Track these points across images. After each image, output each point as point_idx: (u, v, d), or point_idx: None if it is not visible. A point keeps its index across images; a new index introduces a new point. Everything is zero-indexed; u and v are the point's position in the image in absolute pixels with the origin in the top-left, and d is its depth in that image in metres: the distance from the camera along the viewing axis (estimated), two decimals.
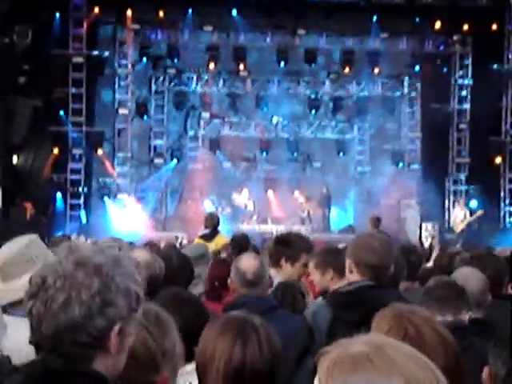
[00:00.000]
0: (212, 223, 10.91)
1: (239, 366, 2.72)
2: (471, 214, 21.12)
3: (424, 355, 2.03)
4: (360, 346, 1.58)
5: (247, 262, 4.85)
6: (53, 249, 3.76)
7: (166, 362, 2.62)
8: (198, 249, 6.84)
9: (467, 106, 25.05)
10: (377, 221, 15.10)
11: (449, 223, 24.24)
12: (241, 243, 7.96)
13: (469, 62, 25.08)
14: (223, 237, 10.55)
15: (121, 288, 2.14)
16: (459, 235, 20.63)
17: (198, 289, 5.95)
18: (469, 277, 4.81)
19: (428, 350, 2.43)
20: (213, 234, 10.67)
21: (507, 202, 24.48)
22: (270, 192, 25.24)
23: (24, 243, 3.94)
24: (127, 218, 23.15)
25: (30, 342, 2.13)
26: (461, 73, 25.18)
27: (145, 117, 24.91)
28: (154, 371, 2.58)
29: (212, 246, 9.90)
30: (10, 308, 3.84)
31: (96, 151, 23.42)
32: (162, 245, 11.48)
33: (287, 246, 5.69)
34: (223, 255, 8.15)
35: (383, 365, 1.52)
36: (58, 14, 22.34)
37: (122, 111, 24.34)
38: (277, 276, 5.44)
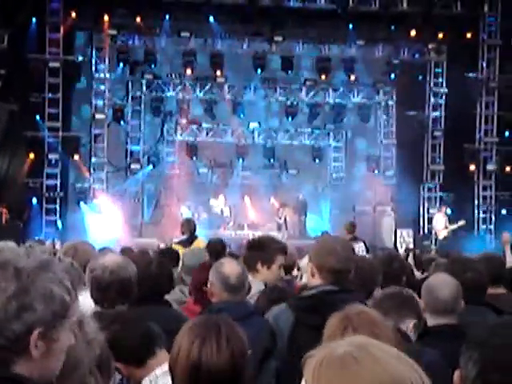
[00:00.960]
0: (189, 229, 10.93)
1: (196, 364, 2.79)
2: (449, 222, 21.29)
3: None
4: (344, 346, 1.64)
5: (230, 268, 4.86)
6: None
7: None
8: (199, 259, 6.82)
9: (442, 113, 25.26)
10: (351, 226, 15.19)
11: (424, 230, 24.44)
12: (217, 248, 7.98)
13: (443, 70, 25.29)
14: (201, 242, 10.56)
15: (41, 292, 2.11)
16: (441, 242, 20.79)
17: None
18: (441, 283, 4.87)
19: None
20: (190, 239, 10.70)
21: (481, 209, 24.70)
22: (247, 198, 25.29)
23: None
24: (103, 224, 23.09)
25: None
26: (436, 81, 25.39)
27: (121, 122, 24.88)
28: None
29: None
30: None
31: (72, 156, 23.34)
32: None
33: (261, 250, 5.64)
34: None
35: (367, 362, 1.59)
36: (34, 19, 22.26)
37: (98, 116, 24.28)
38: (254, 282, 5.45)
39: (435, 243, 22.25)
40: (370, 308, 4.19)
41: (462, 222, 21.27)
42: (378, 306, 4.09)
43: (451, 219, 21.53)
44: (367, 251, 13.77)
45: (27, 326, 2.09)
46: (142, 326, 3.84)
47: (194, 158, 25.39)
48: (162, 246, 14.54)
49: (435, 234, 22.29)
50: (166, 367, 3.66)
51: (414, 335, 4.18)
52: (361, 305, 3.38)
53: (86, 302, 4.25)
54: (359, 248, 13.79)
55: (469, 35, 23.87)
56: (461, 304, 4.88)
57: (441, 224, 21.37)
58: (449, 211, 22.40)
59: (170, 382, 2.92)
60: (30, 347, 2.10)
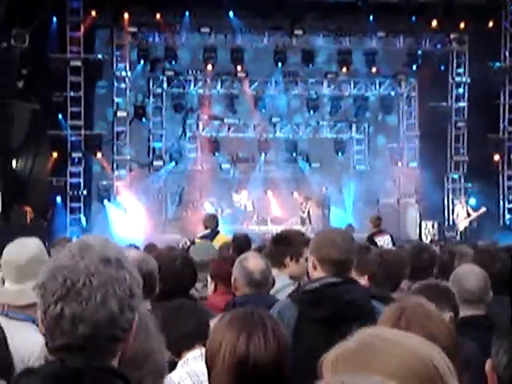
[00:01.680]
0: (212, 224, 10.94)
1: (243, 358, 2.73)
2: (473, 211, 21.17)
3: None
4: (355, 338, 1.61)
5: (254, 262, 4.85)
6: (57, 248, 3.76)
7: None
8: (206, 254, 6.79)
9: (465, 103, 25.09)
10: (377, 220, 15.09)
11: (448, 221, 24.29)
12: (242, 243, 7.97)
13: (466, 59, 25.11)
14: (224, 237, 10.57)
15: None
16: (462, 233, 20.68)
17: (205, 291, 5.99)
18: (469, 273, 4.83)
19: None
20: (213, 234, 10.70)
21: (506, 199, 24.51)
22: (270, 193, 25.28)
23: (39, 245, 3.96)
24: (127, 221, 23.18)
25: (58, 346, 2.09)
26: (458, 71, 25.21)
27: (143, 119, 24.93)
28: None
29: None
30: (12, 313, 3.83)
31: (95, 154, 23.44)
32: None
33: (288, 244, 5.62)
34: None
35: (383, 344, 1.55)
36: (55, 18, 22.36)
37: (120, 114, 24.36)
38: (280, 275, 5.43)
39: (460, 234, 22.12)
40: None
41: (482, 210, 21.15)
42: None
43: (475, 209, 21.39)
44: (393, 244, 13.68)
45: (134, 313, 2.15)
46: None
47: (217, 154, 25.41)
48: (185, 242, 14.54)
49: (456, 225, 22.18)
50: (197, 352, 3.67)
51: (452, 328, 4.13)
52: (417, 297, 3.33)
53: None
54: (386, 241, 13.72)
55: (491, 24, 23.66)
56: (489, 294, 4.83)
57: (461, 215, 21.26)
58: (473, 201, 22.23)
59: (203, 368, 2.89)
60: (131, 334, 2.16)
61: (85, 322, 2.07)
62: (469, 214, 21.20)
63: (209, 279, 5.92)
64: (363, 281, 5.36)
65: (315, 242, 4.42)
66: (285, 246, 5.64)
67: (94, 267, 2.11)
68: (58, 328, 2.08)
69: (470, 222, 20.92)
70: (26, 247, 3.91)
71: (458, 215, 21.70)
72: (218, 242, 10.14)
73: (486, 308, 4.74)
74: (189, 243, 10.49)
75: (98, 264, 2.12)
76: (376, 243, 12.91)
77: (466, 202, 22.16)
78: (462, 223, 21.03)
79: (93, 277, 2.09)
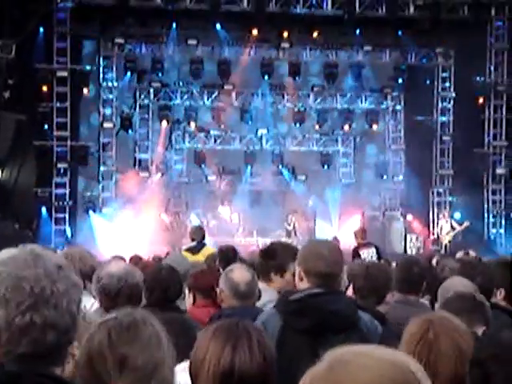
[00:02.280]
0: (198, 236, 10.93)
1: (228, 370, 2.70)
2: (457, 225, 21.25)
3: (435, 359, 2.53)
4: (326, 358, 1.59)
5: (240, 274, 4.85)
6: None
7: (124, 372, 2.54)
8: (180, 265, 6.75)
9: (450, 118, 25.21)
10: (362, 232, 15.06)
11: (433, 234, 24.36)
12: (228, 255, 7.96)
13: (451, 74, 25.25)
14: (210, 249, 10.56)
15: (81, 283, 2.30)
16: (447, 246, 20.75)
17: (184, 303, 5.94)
18: (457, 286, 4.84)
19: (440, 356, 2.70)
20: (200, 246, 10.69)
21: (491, 213, 24.61)
22: (255, 205, 25.25)
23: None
24: (112, 232, 23.10)
25: (22, 354, 2.08)
26: (444, 85, 25.36)
27: (129, 130, 24.90)
28: (104, 379, 2.51)
29: (200, 257, 9.93)
30: None
31: (81, 165, 23.38)
32: (149, 258, 11.48)
33: (273, 258, 5.55)
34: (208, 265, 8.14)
35: (358, 357, 1.54)
36: (41, 29, 22.33)
37: (106, 125, 24.33)
38: (267, 289, 5.40)
39: (444, 248, 22.18)
40: (442, 309, 4.10)
41: (465, 224, 21.24)
42: (448, 306, 4.00)
43: (459, 223, 21.48)
44: (378, 257, 13.67)
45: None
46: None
47: (203, 166, 25.38)
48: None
49: (440, 240, 22.26)
50: (184, 365, 3.64)
51: None
52: (441, 311, 3.33)
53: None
54: (370, 253, 13.71)
55: (476, 39, 23.80)
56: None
57: (445, 229, 21.35)
58: (458, 215, 22.31)
59: (188, 380, 2.87)
60: None
61: (54, 328, 2.08)
62: (453, 228, 21.27)
63: (186, 291, 5.85)
64: (349, 292, 5.37)
65: (302, 253, 4.41)
66: (270, 259, 5.56)
67: (55, 274, 2.12)
68: (27, 337, 2.07)
69: (454, 236, 21.00)
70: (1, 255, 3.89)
71: (441, 229, 21.78)
72: (204, 254, 10.13)
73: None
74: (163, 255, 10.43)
75: (55, 271, 2.13)
76: (360, 256, 12.92)
77: (451, 216, 22.26)
78: (446, 237, 21.11)
79: (56, 284, 2.11)
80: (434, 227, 24.76)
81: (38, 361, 2.10)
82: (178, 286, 5.42)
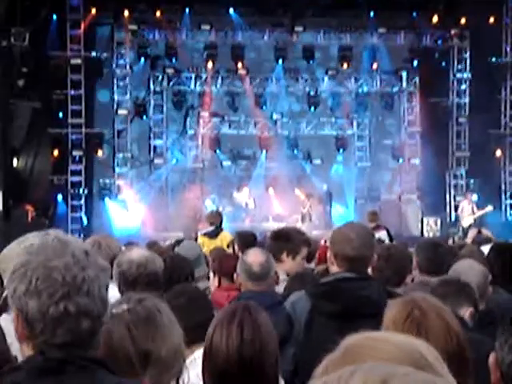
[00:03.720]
0: (216, 221, 10.92)
1: (207, 350, 2.83)
2: (478, 209, 21.09)
3: (426, 337, 2.39)
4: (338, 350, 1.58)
5: (254, 256, 4.85)
6: None
7: (149, 365, 2.57)
8: (191, 251, 6.74)
9: (466, 99, 25.05)
10: (373, 215, 14.93)
11: (451, 218, 24.25)
12: (247, 240, 7.94)
13: (467, 55, 25.07)
14: (227, 234, 10.56)
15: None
16: (465, 229, 20.57)
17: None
18: (467, 269, 4.81)
19: (430, 333, 2.66)
20: (217, 231, 10.68)
21: (508, 194, 24.47)
22: (271, 190, 25.20)
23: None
24: (128, 219, 23.17)
25: (60, 343, 2.08)
26: (459, 67, 25.17)
27: (144, 117, 24.90)
28: (130, 373, 2.53)
29: (217, 242, 9.93)
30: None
31: (96, 152, 23.43)
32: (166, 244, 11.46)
33: (287, 241, 5.71)
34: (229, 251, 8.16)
35: (368, 343, 1.53)
36: (54, 16, 22.33)
37: (120, 112, 24.35)
38: (277, 270, 5.46)
39: (462, 231, 22.05)
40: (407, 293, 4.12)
41: (488, 208, 21.06)
42: (434, 292, 4.03)
43: (479, 206, 21.33)
44: (390, 239, 13.60)
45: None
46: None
47: (218, 151, 25.37)
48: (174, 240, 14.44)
49: (460, 221, 22.11)
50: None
51: (471, 323, 4.11)
52: (421, 292, 3.34)
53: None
54: (382, 236, 13.64)
55: (492, 20, 23.60)
56: (487, 290, 4.81)
57: (466, 211, 21.17)
58: (475, 198, 22.17)
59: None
60: None
61: (88, 316, 2.07)
62: (473, 212, 21.09)
63: (211, 275, 5.95)
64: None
65: (332, 236, 4.45)
66: (283, 241, 5.71)
67: (84, 261, 2.10)
68: (62, 327, 2.06)
69: (475, 220, 20.83)
70: (24, 242, 3.87)
71: (462, 210, 21.59)
72: (221, 239, 10.13)
73: (485, 303, 4.72)
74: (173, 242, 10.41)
75: (83, 257, 2.11)
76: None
77: (473, 200, 22.03)
78: (467, 219, 20.95)
79: (86, 270, 2.09)
80: (450, 210, 24.66)
81: (76, 348, 2.09)
82: (185, 274, 5.39)
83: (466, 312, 4.14)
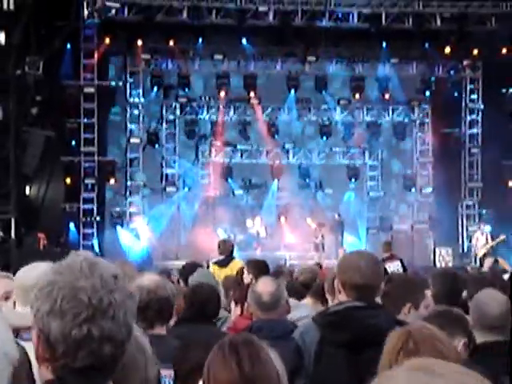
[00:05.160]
0: (226, 249, 10.88)
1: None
2: (492, 239, 20.99)
3: None
4: (402, 369, 1.54)
5: (263, 286, 4.82)
6: None
7: None
8: (206, 280, 6.72)
9: (478, 130, 25.03)
10: (387, 245, 15.06)
11: (463, 248, 24.13)
12: (259, 267, 7.90)
13: (479, 86, 25.09)
14: (238, 262, 10.51)
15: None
16: (481, 259, 20.46)
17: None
18: (489, 298, 4.75)
19: None
20: (228, 260, 10.64)
21: None
22: (282, 219, 25.19)
23: (48, 267, 3.92)
24: (140, 247, 23.17)
25: (81, 367, 2.03)
26: (471, 97, 25.21)
27: (156, 145, 24.99)
28: None
29: (227, 271, 9.88)
30: (24, 332, 3.80)
31: (108, 180, 23.49)
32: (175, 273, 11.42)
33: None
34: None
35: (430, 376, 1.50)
36: (68, 45, 22.50)
37: (133, 140, 24.47)
38: (299, 305, 5.41)
39: (475, 261, 21.94)
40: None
41: (501, 237, 20.96)
42: (428, 322, 4.02)
43: (493, 236, 21.23)
44: (404, 270, 13.58)
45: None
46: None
47: (229, 180, 25.40)
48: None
49: (475, 251, 21.99)
50: None
51: (465, 354, 4.09)
52: (421, 322, 3.32)
53: None
54: (396, 266, 13.62)
55: (504, 50, 23.63)
56: (509, 319, 4.75)
57: (481, 242, 21.07)
58: (489, 228, 22.05)
59: None
60: None
61: (111, 341, 2.02)
62: (487, 241, 21.01)
63: (232, 304, 5.92)
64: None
65: (339, 265, 4.37)
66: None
67: (111, 284, 2.05)
68: (84, 350, 2.01)
69: (489, 249, 20.73)
70: (34, 270, 3.89)
71: (477, 241, 21.50)
72: (232, 267, 10.08)
73: (507, 334, 4.66)
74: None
75: (111, 280, 2.06)
76: (386, 269, 12.82)
77: (486, 230, 21.93)
78: (482, 250, 20.85)
79: (114, 294, 2.04)
80: (463, 240, 24.54)
81: (95, 374, 2.04)
82: (216, 302, 5.38)
83: (460, 343, 4.10)
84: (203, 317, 5.03)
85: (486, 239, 21.05)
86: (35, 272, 3.87)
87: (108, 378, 2.08)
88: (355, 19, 23.35)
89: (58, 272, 2.09)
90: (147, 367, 2.54)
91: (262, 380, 2.74)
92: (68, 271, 2.07)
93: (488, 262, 16.95)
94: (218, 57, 23.97)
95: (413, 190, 25.66)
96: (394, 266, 13.51)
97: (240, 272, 8.40)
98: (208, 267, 10.47)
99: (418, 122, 26.18)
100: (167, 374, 3.59)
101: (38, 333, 2.05)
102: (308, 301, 6.51)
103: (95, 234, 22.99)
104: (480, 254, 20.93)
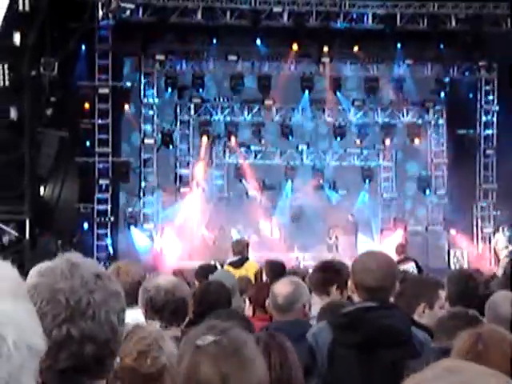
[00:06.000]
0: (240, 250, 10.88)
1: None
2: (510, 242, 20.89)
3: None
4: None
5: (280, 287, 4.82)
6: None
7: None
8: (226, 281, 6.70)
9: (494, 131, 24.93)
10: (401, 247, 15.08)
11: (478, 249, 24.02)
12: (276, 268, 7.91)
13: (494, 87, 24.98)
14: (253, 263, 10.51)
15: (122, 292, 2.24)
16: (502, 262, 20.36)
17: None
18: (503, 299, 4.74)
19: (491, 366, 2.61)
20: (242, 260, 10.64)
21: None
22: (296, 220, 25.16)
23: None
24: (153, 247, 23.20)
25: (64, 368, 2.02)
26: (486, 98, 25.09)
27: (170, 146, 25.02)
28: None
29: (242, 272, 9.88)
30: None
31: (122, 181, 23.54)
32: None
33: (337, 274, 5.63)
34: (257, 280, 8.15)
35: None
36: (83, 46, 22.60)
37: (147, 141, 24.52)
38: (319, 303, 5.38)
39: (491, 263, 21.86)
40: (436, 329, 4.08)
41: None
42: (443, 325, 3.99)
43: (511, 238, 21.14)
44: (419, 271, 13.54)
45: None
46: None
47: (243, 181, 25.39)
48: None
49: (495, 253, 21.89)
50: None
51: None
52: (492, 325, 3.31)
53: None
54: (410, 268, 13.58)
55: None
56: None
57: (502, 243, 20.97)
58: (509, 231, 21.94)
59: None
60: None
61: (92, 341, 2.03)
62: (509, 243, 20.91)
63: (247, 303, 5.97)
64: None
65: (353, 266, 4.38)
66: (332, 274, 5.66)
67: (91, 284, 2.07)
68: (65, 351, 2.02)
69: (509, 252, 20.62)
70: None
71: (497, 243, 21.40)
72: (246, 268, 10.07)
73: None
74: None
75: (92, 280, 2.08)
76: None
77: (506, 232, 21.83)
78: (503, 252, 20.75)
79: (93, 294, 2.06)
80: (477, 242, 24.44)
81: (80, 375, 2.05)
82: (226, 302, 5.38)
83: None
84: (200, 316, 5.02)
85: (508, 241, 20.97)
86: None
87: (96, 379, 2.08)
88: (370, 20, 23.31)
89: (41, 275, 2.12)
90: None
91: (290, 369, 2.74)
92: (49, 273, 2.11)
93: (503, 261, 16.86)
94: (232, 58, 23.97)
95: (427, 191, 25.57)
96: (407, 268, 13.46)
97: (259, 273, 8.43)
98: (222, 267, 10.48)
99: (432, 123, 26.08)
100: None
101: None
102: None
103: (109, 234, 23.04)
104: (502, 255, 20.83)
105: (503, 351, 2.76)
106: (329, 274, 5.68)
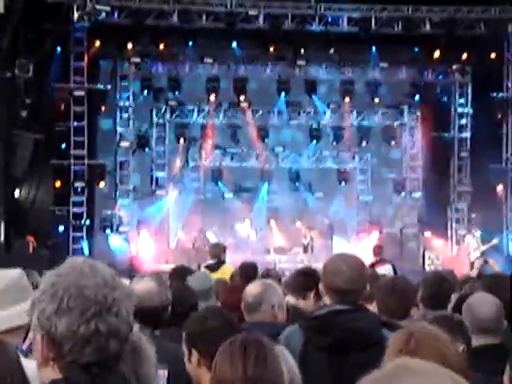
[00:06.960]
0: (217, 253, 10.90)
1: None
2: (483, 243, 21.03)
3: None
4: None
5: (251, 287, 4.85)
6: None
7: None
8: (204, 283, 6.70)
9: (467, 134, 25.12)
10: (378, 249, 15.15)
11: (452, 251, 24.18)
12: (249, 271, 7.92)
13: (468, 90, 25.18)
14: (229, 267, 10.54)
15: None
16: (473, 262, 20.51)
17: None
18: (481, 301, 4.77)
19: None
20: (219, 264, 10.66)
21: (510, 229, 24.40)
22: (272, 222, 25.21)
23: (17, 273, 3.90)
24: (129, 251, 23.13)
25: (90, 363, 2.08)
26: (461, 101, 25.29)
27: (146, 149, 24.96)
28: None
29: (218, 275, 9.89)
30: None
31: (98, 184, 23.45)
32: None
33: (318, 281, 5.65)
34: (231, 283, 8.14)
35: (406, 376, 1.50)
36: (59, 48, 22.48)
37: (123, 144, 24.45)
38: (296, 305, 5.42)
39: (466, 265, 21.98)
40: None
41: (494, 242, 21.03)
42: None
43: (483, 240, 21.29)
44: (395, 273, 13.64)
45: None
46: None
47: (219, 183, 25.39)
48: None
49: (467, 255, 22.02)
50: None
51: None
52: (423, 322, 3.36)
53: None
54: (387, 270, 13.68)
55: (493, 55, 23.72)
56: (503, 322, 4.75)
57: (472, 245, 21.12)
58: (479, 233, 22.11)
59: None
60: None
61: (116, 336, 2.08)
62: (479, 246, 21.05)
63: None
64: (371, 307, 5.28)
65: (323, 268, 4.36)
66: (313, 280, 5.66)
67: (112, 282, 2.12)
68: (90, 346, 2.06)
69: (482, 253, 20.77)
70: (6, 275, 3.87)
71: (468, 245, 21.54)
72: (222, 272, 10.08)
73: (501, 337, 4.66)
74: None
75: (112, 279, 2.13)
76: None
77: (477, 234, 21.98)
78: (473, 254, 20.90)
79: (115, 292, 2.11)
80: (452, 244, 24.60)
81: (102, 370, 2.09)
82: (188, 304, 5.28)
83: (459, 349, 4.12)
84: (173, 319, 4.98)
85: (477, 243, 21.11)
86: (6, 278, 3.84)
87: (111, 373, 2.12)
88: (345, 23, 23.40)
89: (60, 274, 2.15)
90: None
91: (265, 382, 2.76)
92: (70, 272, 2.14)
93: (478, 263, 16.96)
94: (208, 60, 23.98)
95: (402, 193, 25.71)
96: (384, 270, 13.56)
97: (234, 276, 8.43)
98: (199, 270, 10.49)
99: (407, 125, 26.23)
100: (160, 374, 3.61)
101: (42, 335, 2.09)
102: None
103: (84, 237, 22.92)
104: (472, 257, 20.98)
105: (435, 350, 2.77)
106: (310, 280, 5.69)
